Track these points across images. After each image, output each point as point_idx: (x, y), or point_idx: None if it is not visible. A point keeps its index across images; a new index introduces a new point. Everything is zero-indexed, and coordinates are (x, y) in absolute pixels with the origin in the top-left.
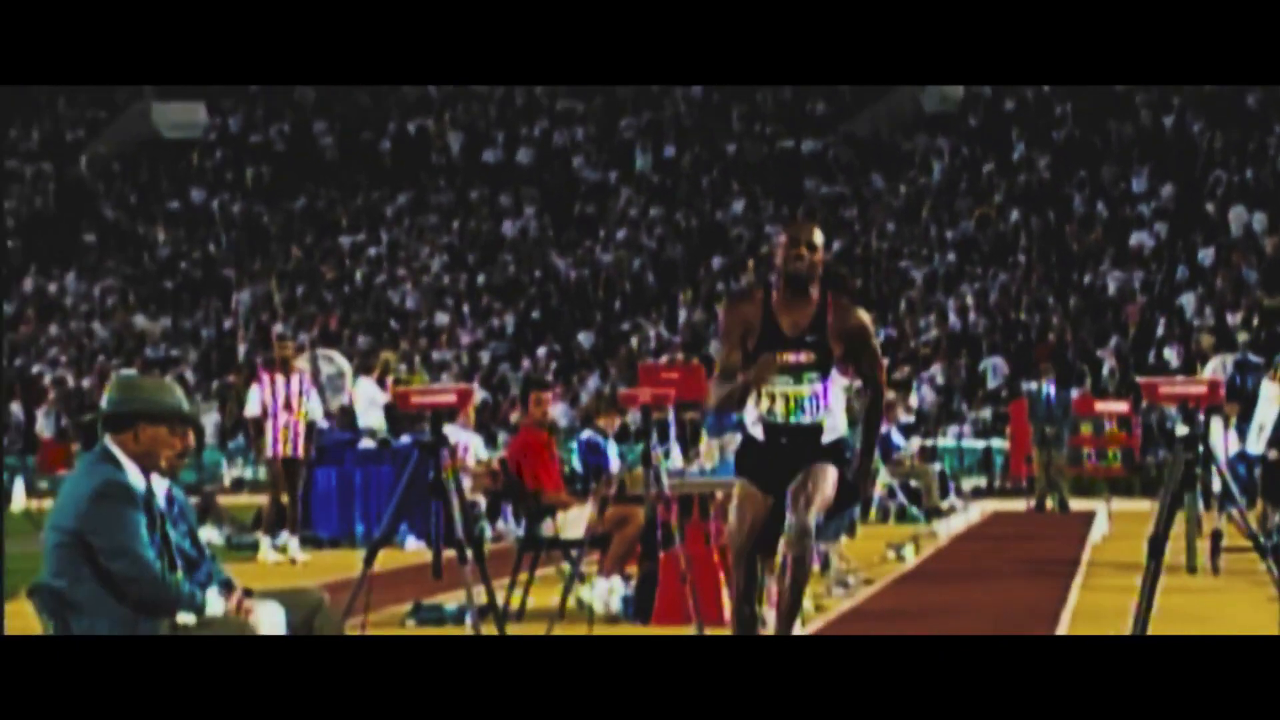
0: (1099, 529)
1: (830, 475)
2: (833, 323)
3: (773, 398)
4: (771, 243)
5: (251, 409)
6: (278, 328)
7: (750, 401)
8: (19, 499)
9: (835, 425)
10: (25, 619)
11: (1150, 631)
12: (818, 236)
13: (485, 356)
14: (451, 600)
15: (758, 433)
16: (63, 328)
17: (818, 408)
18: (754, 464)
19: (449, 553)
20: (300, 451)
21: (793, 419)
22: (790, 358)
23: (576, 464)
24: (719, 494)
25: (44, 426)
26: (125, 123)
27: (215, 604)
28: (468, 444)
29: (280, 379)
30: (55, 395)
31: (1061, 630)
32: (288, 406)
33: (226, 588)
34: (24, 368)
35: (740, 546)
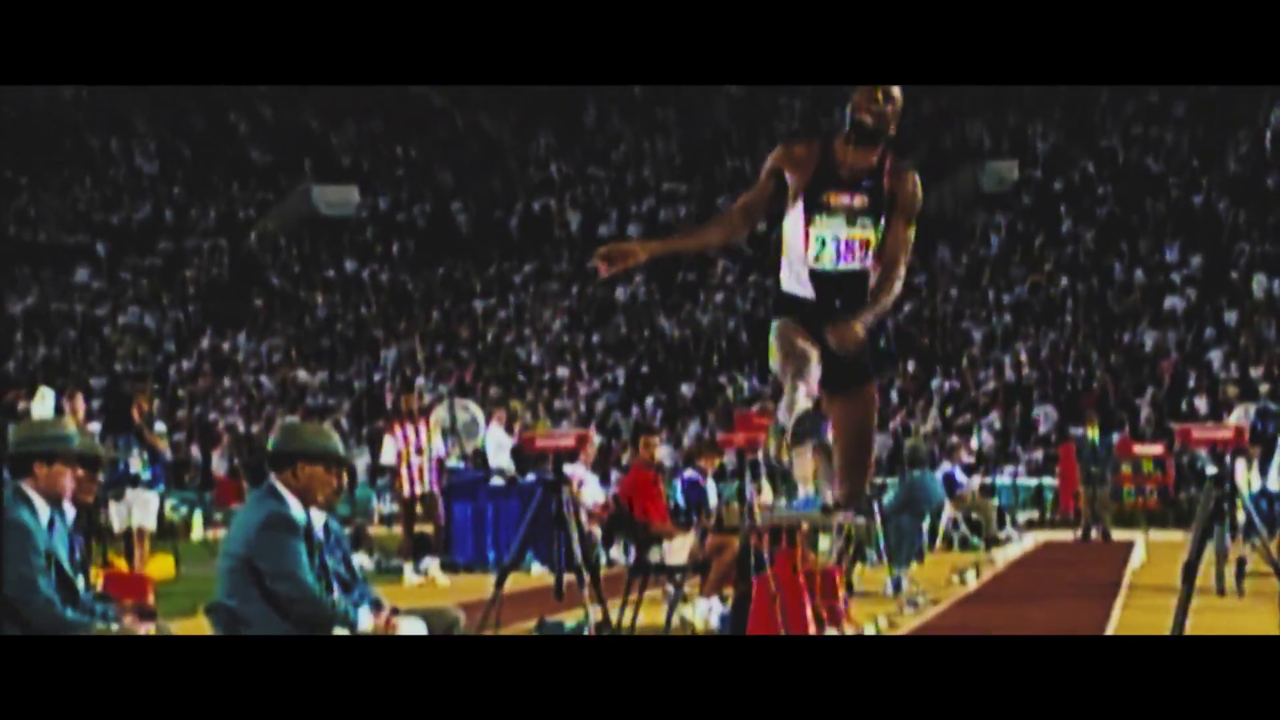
0: (1138, 556)
1: (873, 420)
2: (889, 177)
3: (822, 243)
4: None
5: (387, 456)
6: (420, 381)
7: (792, 253)
8: (198, 529)
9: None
10: (202, 633)
11: None
12: (898, 91)
13: (600, 405)
14: (571, 618)
15: (805, 291)
16: (235, 380)
17: (867, 253)
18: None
19: (569, 576)
20: (435, 487)
21: (843, 264)
22: (845, 199)
23: (680, 499)
24: (804, 525)
25: (219, 466)
26: (289, 203)
27: (365, 620)
28: (584, 479)
29: (410, 427)
30: (228, 439)
31: None
32: (419, 450)
33: (376, 606)
34: (202, 415)
35: (791, 357)
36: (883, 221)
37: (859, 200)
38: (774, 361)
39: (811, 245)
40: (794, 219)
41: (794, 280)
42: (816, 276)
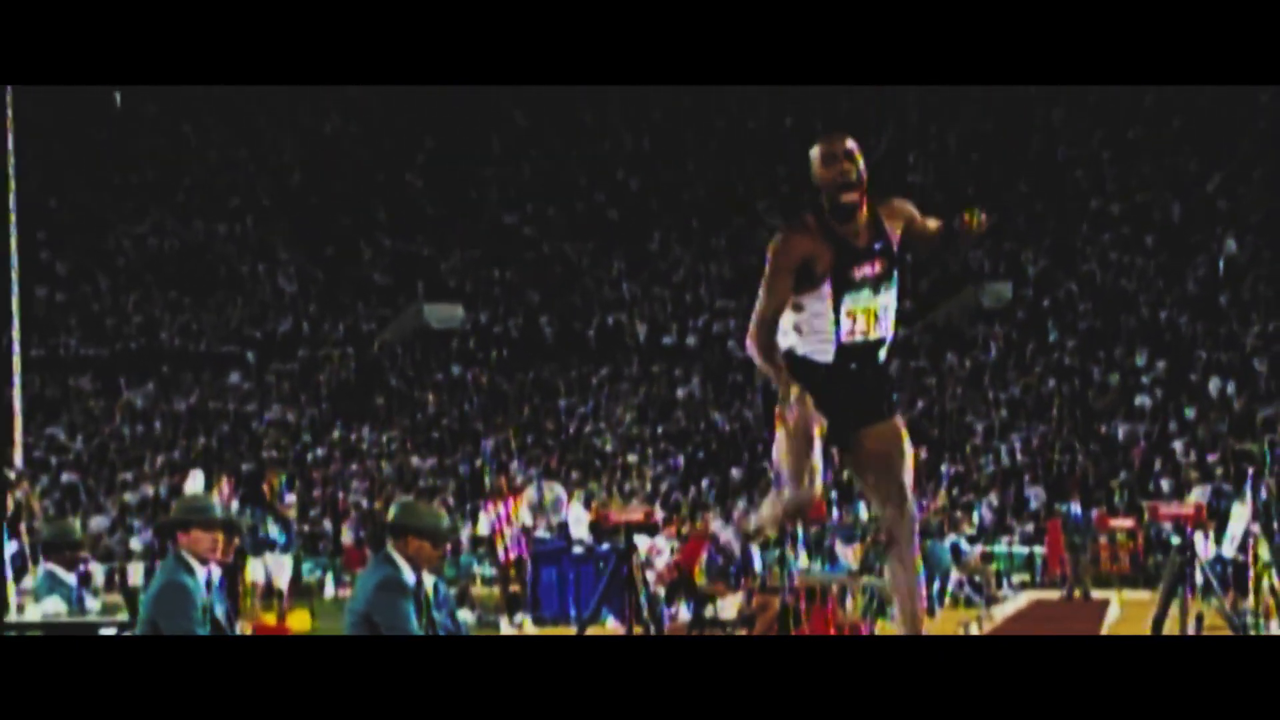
0: (1113, 612)
1: (906, 445)
2: (886, 216)
3: (854, 316)
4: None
5: (483, 529)
6: (513, 466)
7: (815, 331)
8: (330, 588)
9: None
10: None
11: None
12: (852, 145)
13: (664, 486)
14: None
15: (824, 356)
16: (360, 465)
17: (889, 319)
18: (815, 385)
19: (638, 629)
20: (524, 552)
21: (873, 334)
22: (868, 270)
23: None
24: (834, 586)
25: (347, 536)
26: (404, 318)
27: None
28: (663, 550)
29: (501, 504)
30: (355, 514)
31: None
32: (509, 522)
33: None
34: (333, 494)
35: (799, 475)
36: (895, 285)
37: (879, 266)
38: (778, 448)
39: (844, 322)
40: (819, 300)
41: (812, 348)
42: (844, 348)
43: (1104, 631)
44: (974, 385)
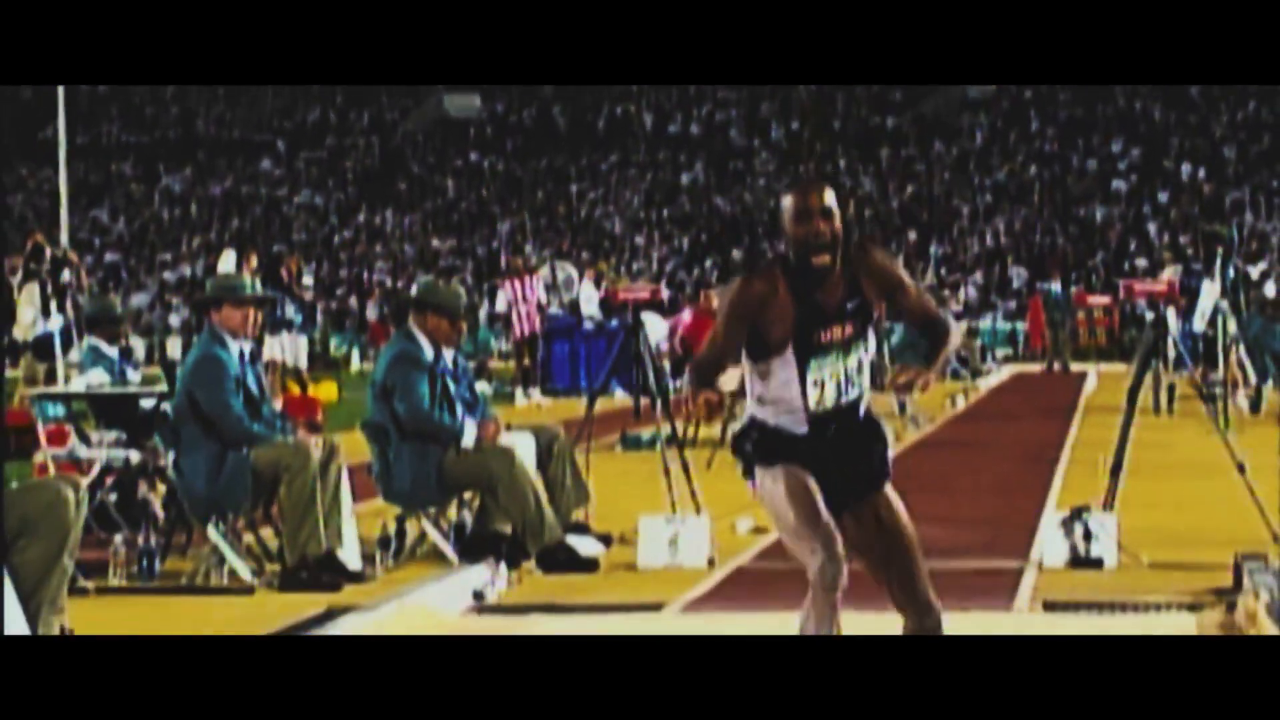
0: (1090, 384)
1: (904, 519)
2: (865, 279)
3: (821, 385)
4: (780, 208)
5: (499, 306)
6: (527, 247)
7: (783, 400)
8: (355, 362)
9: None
10: (360, 444)
11: (1126, 455)
12: (830, 198)
13: (669, 266)
14: (647, 431)
15: (796, 427)
16: (384, 246)
17: (864, 378)
18: (794, 456)
19: (645, 400)
20: (537, 328)
21: (844, 398)
22: (836, 333)
23: None
24: None
25: (371, 313)
26: (425, 109)
27: (470, 434)
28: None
29: (517, 283)
30: (379, 293)
31: (1065, 453)
32: (524, 300)
33: (493, 422)
34: (357, 274)
35: (817, 529)
36: (869, 342)
37: (850, 328)
38: (781, 524)
39: (810, 392)
40: (783, 367)
41: (782, 419)
42: (815, 417)
43: (1082, 401)
44: (960, 171)
